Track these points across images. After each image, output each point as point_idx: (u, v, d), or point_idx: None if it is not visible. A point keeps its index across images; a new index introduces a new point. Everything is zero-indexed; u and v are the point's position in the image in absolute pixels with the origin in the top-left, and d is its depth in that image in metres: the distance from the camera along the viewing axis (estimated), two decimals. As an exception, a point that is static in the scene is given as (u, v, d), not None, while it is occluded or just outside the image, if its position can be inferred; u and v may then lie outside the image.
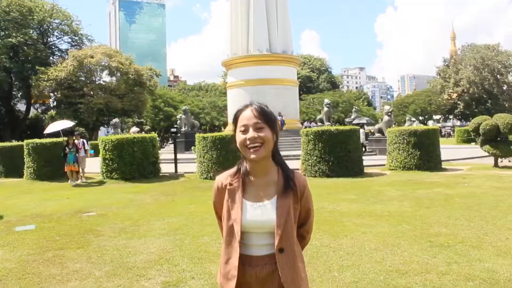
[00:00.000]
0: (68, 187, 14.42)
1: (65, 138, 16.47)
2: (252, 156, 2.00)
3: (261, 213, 2.02)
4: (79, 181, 15.33)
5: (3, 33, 46.17)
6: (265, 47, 31.36)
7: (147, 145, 15.95)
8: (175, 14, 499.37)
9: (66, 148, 15.22)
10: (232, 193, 2.07)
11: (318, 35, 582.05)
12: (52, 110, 53.49)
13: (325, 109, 30.09)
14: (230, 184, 2.09)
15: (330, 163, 14.47)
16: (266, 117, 2.04)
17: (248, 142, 1.99)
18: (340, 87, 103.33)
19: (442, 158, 16.28)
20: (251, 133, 1.99)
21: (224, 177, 2.13)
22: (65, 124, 16.97)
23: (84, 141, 16.18)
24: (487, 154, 16.75)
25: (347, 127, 15.52)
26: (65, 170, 15.17)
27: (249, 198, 2.06)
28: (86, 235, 7.09)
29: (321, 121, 30.20)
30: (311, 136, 14.90)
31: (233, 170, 2.14)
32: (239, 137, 2.03)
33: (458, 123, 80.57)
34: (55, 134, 16.59)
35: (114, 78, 48.82)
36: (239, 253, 2.01)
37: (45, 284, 4.79)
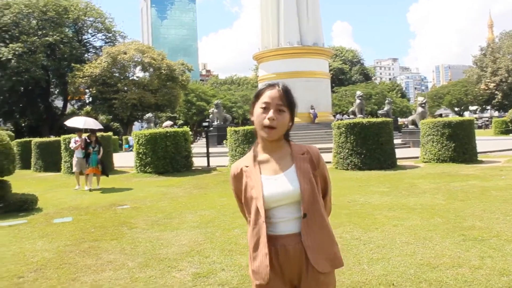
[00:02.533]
0: (106, 180, 13.64)
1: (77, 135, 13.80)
2: (265, 135, 2.05)
3: (281, 183, 2.04)
4: (99, 186, 13.03)
5: (40, 32, 47.55)
6: (296, 40, 31.23)
7: (180, 139, 16.15)
8: (206, 9, 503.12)
9: (89, 146, 12.93)
10: (249, 173, 2.11)
11: (350, 26, 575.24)
12: (87, 106, 54.88)
13: (358, 101, 29.74)
14: (246, 166, 2.13)
15: (362, 156, 14.33)
16: (289, 100, 2.08)
17: (266, 122, 2.02)
18: (372, 78, 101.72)
19: (478, 150, 15.87)
20: (271, 113, 2.03)
21: (239, 163, 2.20)
22: (92, 124, 14.78)
23: (86, 138, 13.35)
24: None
25: (379, 119, 15.30)
26: (86, 173, 12.92)
27: (267, 173, 2.09)
28: (120, 228, 7.28)
29: (354, 113, 29.87)
30: (343, 128, 14.78)
31: (247, 155, 2.19)
32: (258, 113, 2.07)
33: (496, 113, 78.10)
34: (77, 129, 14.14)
35: (147, 74, 49.65)
36: (266, 233, 2.02)
37: (81, 274, 4.95)
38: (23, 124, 53.94)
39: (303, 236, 2.01)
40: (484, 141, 23.61)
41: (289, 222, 2.05)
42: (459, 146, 14.72)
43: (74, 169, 13.42)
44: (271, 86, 2.11)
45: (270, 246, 2.02)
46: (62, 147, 17.90)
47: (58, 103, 56.77)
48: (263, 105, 2.06)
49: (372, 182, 11.43)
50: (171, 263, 5.19)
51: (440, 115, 21.52)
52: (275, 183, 2.05)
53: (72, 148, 13.72)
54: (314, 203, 2.04)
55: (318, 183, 2.11)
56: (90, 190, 12.51)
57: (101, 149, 13.25)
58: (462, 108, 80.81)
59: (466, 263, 4.68)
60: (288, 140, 2.17)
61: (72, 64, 46.87)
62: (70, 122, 14.42)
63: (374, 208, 7.98)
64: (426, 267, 4.62)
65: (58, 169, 18.53)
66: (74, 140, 13.47)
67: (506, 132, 37.68)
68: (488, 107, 75.19)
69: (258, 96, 2.12)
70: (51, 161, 19.53)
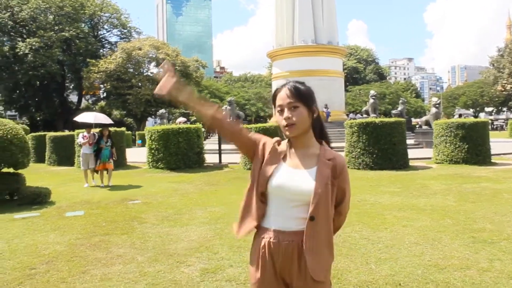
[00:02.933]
0: (119, 175, 14.00)
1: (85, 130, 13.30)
2: (287, 133, 2.11)
3: (297, 179, 2.07)
4: (110, 183, 12.61)
5: (57, 27, 48.10)
6: (310, 38, 31.14)
7: (192, 135, 16.23)
8: (221, 5, 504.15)
9: (101, 141, 12.59)
10: (274, 153, 2.16)
11: (365, 25, 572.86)
12: (102, 101, 55.38)
13: (371, 100, 29.60)
14: (278, 146, 2.19)
15: (374, 156, 14.27)
16: (300, 96, 2.10)
17: (284, 123, 2.08)
18: (387, 78, 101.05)
19: (493, 152, 15.70)
20: (286, 114, 2.08)
21: (277, 140, 2.22)
22: (103, 119, 14.61)
23: (96, 133, 12.95)
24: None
25: (392, 119, 15.22)
26: (98, 168, 12.62)
27: (289, 164, 2.13)
28: (131, 222, 7.36)
29: (367, 112, 29.73)
30: (355, 128, 14.73)
31: (285, 140, 2.23)
32: (277, 117, 2.14)
33: (512, 115, 77.11)
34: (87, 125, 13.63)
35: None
36: (259, 224, 2.13)
37: (91, 267, 5.03)
38: (38, 118, 54.65)
39: (305, 237, 2.03)
40: (499, 143, 23.35)
41: (290, 219, 2.08)
42: (473, 147, 14.58)
43: (82, 166, 12.90)
44: (281, 87, 2.16)
45: (263, 238, 2.11)
46: (76, 141, 18.11)
47: (73, 97, 57.44)
48: (278, 109, 2.13)
49: (383, 182, 11.39)
50: (180, 258, 5.25)
51: (460, 115, 21.32)
52: (291, 176, 2.09)
53: (79, 144, 13.12)
54: (324, 209, 2.05)
55: (334, 192, 2.11)
56: (104, 186, 12.30)
57: (113, 144, 12.96)
58: (478, 109, 79.91)
59: (475, 265, 4.66)
60: (321, 142, 2.19)
61: (88, 59, 47.37)
62: (80, 118, 14.32)
63: (384, 208, 7.96)
64: (434, 268, 4.61)
65: (71, 164, 18.75)
66: (82, 136, 12.91)
67: (522, 134, 37.15)
68: (505, 109, 74.26)
69: (273, 101, 2.18)
70: (64, 155, 19.77)
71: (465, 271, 4.50)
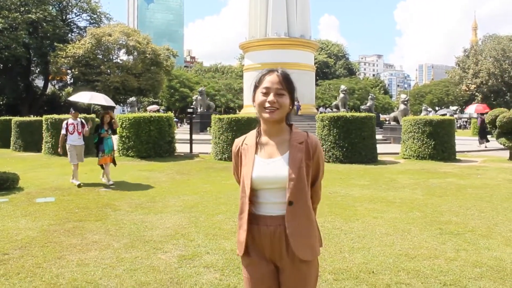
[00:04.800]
0: (89, 162, 12.35)
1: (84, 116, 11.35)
2: (267, 116, 2.15)
3: (272, 168, 2.15)
4: (110, 181, 10.06)
5: (23, 8, 46.51)
6: (283, 31, 31.25)
7: (164, 124, 16.13)
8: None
9: (102, 129, 10.23)
10: (245, 152, 2.23)
11: (337, 20, 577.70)
12: (69, 87, 54.03)
13: (341, 95, 30.00)
14: (246, 144, 2.25)
15: (344, 149, 14.53)
16: (288, 85, 2.18)
17: (267, 105, 2.13)
18: (357, 74, 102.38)
19: (457, 149, 16.21)
20: (271, 97, 2.13)
21: (241, 140, 2.31)
22: (106, 100, 12.84)
23: (83, 121, 10.65)
24: (502, 147, 16.64)
25: (363, 114, 15.51)
26: (102, 162, 10.27)
27: (262, 155, 2.20)
28: (104, 209, 7.32)
29: (337, 107, 30.14)
30: (326, 121, 14.95)
31: (251, 132, 2.29)
32: (260, 97, 2.17)
33: (475, 115, 79.52)
34: (78, 108, 11.63)
35: (131, 57, 49.08)
36: (250, 211, 2.17)
37: (67, 253, 5.00)
38: (0, 103, 52.88)
39: (287, 223, 2.12)
40: (462, 140, 24.11)
41: (274, 205, 2.16)
42: (439, 144, 15.03)
43: (70, 160, 10.22)
44: (270, 72, 2.21)
45: (253, 224, 2.17)
46: (44, 127, 17.72)
47: (39, 82, 55.68)
48: (264, 90, 2.16)
49: (353, 175, 11.63)
50: (157, 245, 5.28)
51: (444, 115, 21.85)
52: (266, 167, 2.16)
53: (64, 134, 10.24)
54: (300, 192, 2.13)
55: (309, 173, 2.19)
56: (110, 185, 9.84)
57: (114, 131, 10.74)
58: (443, 107, 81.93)
59: (442, 255, 4.87)
60: (290, 126, 2.25)
61: (55, 44, 45.99)
62: (75, 97, 13.78)
63: (354, 200, 8.17)
64: (404, 257, 4.80)
65: (38, 149, 18.32)
66: (67, 123, 10.29)
67: (483, 133, 38.29)
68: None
69: (258, 82, 2.21)
70: (31, 141, 19.29)
71: (434, 260, 4.71)
